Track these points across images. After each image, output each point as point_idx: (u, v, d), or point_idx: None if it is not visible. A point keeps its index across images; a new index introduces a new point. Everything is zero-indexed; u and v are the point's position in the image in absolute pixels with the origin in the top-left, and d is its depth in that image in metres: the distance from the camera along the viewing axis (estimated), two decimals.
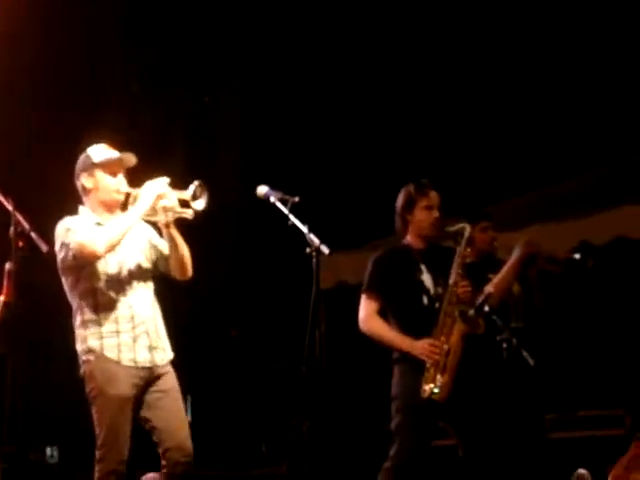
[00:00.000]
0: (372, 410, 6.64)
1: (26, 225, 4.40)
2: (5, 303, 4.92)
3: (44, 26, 7.18)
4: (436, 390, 4.86)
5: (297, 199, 4.77)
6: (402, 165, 7.47)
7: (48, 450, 7.11)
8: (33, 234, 4.40)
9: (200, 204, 4.60)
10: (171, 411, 4.57)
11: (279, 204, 4.79)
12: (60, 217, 4.56)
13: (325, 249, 4.64)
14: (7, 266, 4.66)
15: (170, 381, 4.62)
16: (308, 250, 4.67)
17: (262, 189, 4.87)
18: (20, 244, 4.36)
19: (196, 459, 4.70)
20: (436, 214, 5.15)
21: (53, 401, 6.61)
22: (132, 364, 4.49)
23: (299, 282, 5.19)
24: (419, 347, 4.92)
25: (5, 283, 4.88)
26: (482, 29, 8.78)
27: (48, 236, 4.54)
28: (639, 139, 7.75)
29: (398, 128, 8.70)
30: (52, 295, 4.58)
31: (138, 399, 4.51)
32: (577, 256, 5.64)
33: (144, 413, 4.54)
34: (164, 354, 4.63)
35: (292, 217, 4.73)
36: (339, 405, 7.37)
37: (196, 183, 4.61)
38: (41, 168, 6.55)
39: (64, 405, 5.46)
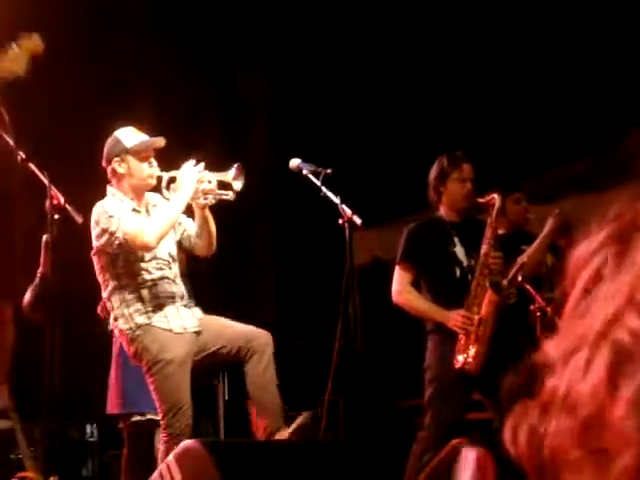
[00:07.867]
0: (408, 386, 6.64)
1: (61, 198, 4.44)
2: (42, 275, 4.98)
3: (72, 9, 7.21)
4: (469, 360, 4.87)
5: (329, 171, 4.81)
6: (434, 139, 7.44)
7: (88, 428, 7.16)
8: (68, 207, 4.44)
9: (238, 185, 4.63)
10: (218, 326, 4.65)
11: (311, 176, 4.83)
12: (92, 193, 4.57)
13: (357, 219, 4.67)
14: (44, 238, 4.71)
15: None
16: (340, 221, 4.70)
17: (295, 161, 4.93)
18: (56, 217, 4.40)
19: (235, 434, 4.62)
20: (469, 186, 5.13)
21: (92, 377, 6.66)
22: (182, 330, 4.54)
23: (333, 259, 5.21)
24: (452, 318, 4.93)
25: (42, 255, 4.94)
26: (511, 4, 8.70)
27: (82, 209, 4.57)
28: None
29: (431, 101, 8.65)
30: (89, 266, 4.63)
31: (194, 365, 4.56)
32: None
33: (204, 353, 4.59)
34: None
35: (324, 189, 4.76)
36: (375, 381, 7.39)
37: (235, 165, 4.64)
38: (76, 151, 6.60)
39: (103, 382, 5.49)
